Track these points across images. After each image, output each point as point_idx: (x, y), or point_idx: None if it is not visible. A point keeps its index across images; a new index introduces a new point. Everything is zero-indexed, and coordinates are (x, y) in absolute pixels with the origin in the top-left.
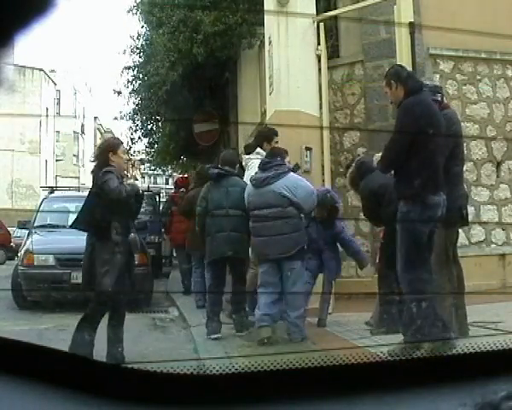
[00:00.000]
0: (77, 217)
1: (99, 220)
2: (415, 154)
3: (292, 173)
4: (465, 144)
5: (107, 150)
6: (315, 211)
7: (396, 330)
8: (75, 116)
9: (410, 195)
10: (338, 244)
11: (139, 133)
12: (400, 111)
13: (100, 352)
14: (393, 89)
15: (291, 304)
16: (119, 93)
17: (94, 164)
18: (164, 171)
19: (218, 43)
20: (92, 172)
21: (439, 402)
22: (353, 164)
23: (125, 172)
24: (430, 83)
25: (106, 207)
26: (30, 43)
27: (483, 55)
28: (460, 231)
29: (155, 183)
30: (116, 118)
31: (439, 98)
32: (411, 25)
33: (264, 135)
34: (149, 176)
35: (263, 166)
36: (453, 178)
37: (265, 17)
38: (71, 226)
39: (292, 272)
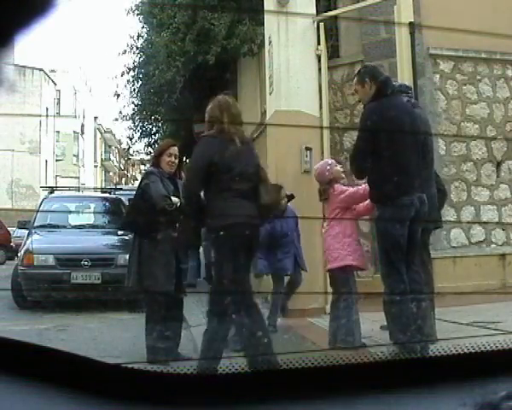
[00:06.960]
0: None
1: (145, 220)
2: (382, 156)
3: None
4: (465, 144)
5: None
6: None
7: None
8: (75, 116)
9: (381, 198)
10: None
11: (138, 133)
12: (364, 112)
13: (100, 352)
14: (367, 88)
15: None
16: (118, 96)
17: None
18: None
19: (228, 46)
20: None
21: (439, 402)
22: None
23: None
24: (397, 83)
25: (151, 208)
26: (30, 43)
27: (483, 55)
28: (460, 231)
29: None
30: (117, 119)
31: (408, 98)
32: (411, 25)
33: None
34: None
35: None
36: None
37: (265, 17)
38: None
39: None
